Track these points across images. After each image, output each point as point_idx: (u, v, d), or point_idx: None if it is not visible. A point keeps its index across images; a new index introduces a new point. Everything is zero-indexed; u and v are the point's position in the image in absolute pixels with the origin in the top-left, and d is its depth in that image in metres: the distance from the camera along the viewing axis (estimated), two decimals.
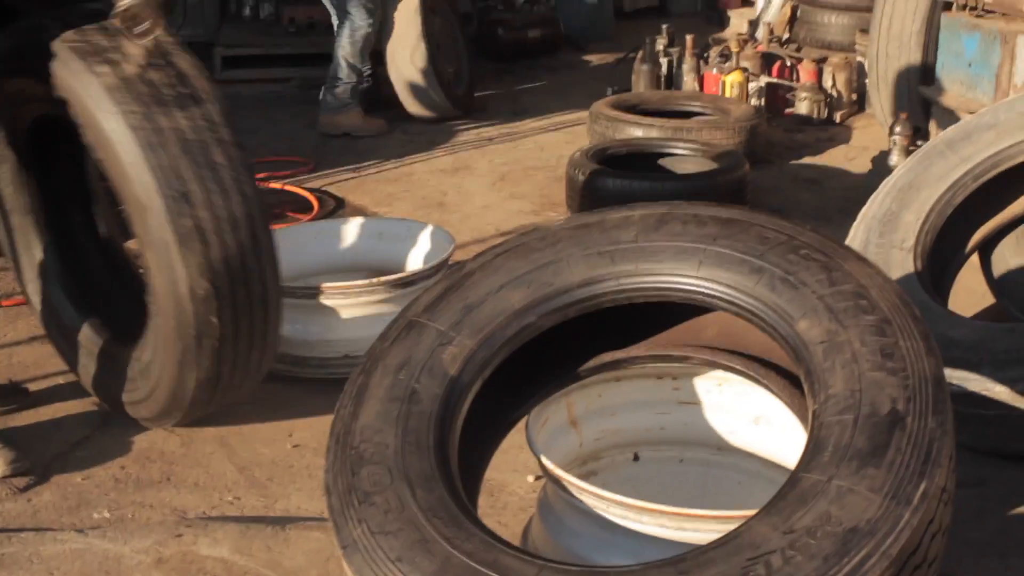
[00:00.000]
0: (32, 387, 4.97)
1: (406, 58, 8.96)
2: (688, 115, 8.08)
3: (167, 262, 4.07)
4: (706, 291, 3.16)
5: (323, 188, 7.74)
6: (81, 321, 4.88)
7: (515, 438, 3.52)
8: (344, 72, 8.93)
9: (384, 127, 9.12)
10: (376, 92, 9.39)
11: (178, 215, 4.02)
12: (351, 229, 5.76)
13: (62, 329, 4.95)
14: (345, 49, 8.89)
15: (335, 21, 9.03)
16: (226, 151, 4.14)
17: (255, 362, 4.39)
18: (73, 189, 4.32)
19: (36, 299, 5.04)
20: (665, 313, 3.44)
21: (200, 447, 4.53)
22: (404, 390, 3.09)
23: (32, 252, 5.03)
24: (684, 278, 3.19)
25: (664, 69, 9.53)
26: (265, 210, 4.28)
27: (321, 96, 9.07)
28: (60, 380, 4.97)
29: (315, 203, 7.34)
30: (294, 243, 5.59)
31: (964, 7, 7.33)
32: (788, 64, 9.33)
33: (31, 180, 4.81)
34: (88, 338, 4.81)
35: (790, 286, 3.02)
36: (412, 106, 9.17)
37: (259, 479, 4.31)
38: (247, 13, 11.30)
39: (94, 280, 4.94)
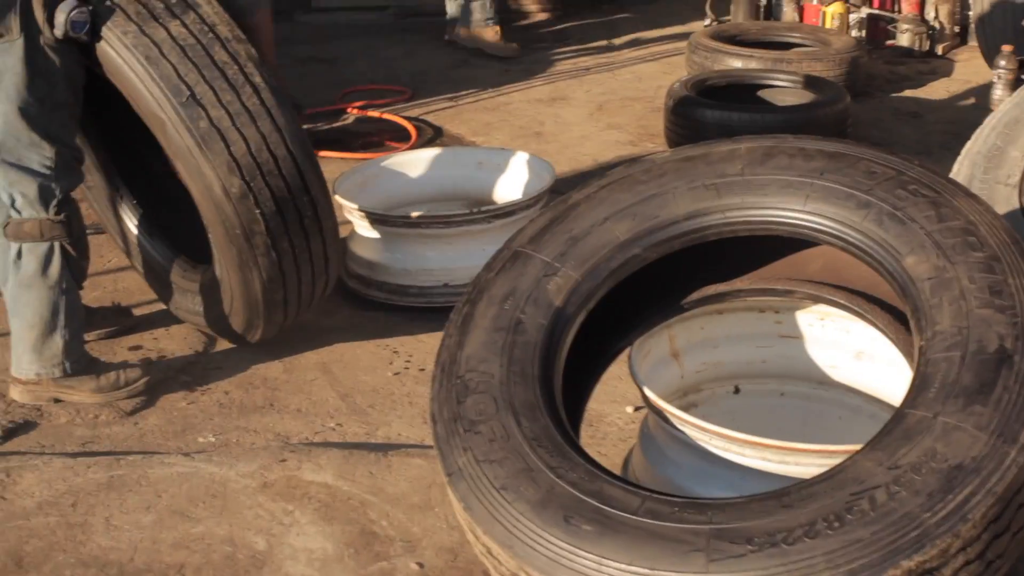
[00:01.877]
0: (135, 312, 5.05)
1: None
2: (788, 46, 8.02)
3: (196, 168, 4.14)
4: (813, 225, 3.14)
5: (421, 117, 7.75)
6: (168, 257, 4.97)
7: (614, 369, 3.53)
8: None
9: (518, 51, 9.18)
10: None
11: (192, 119, 4.10)
12: (451, 158, 5.77)
13: (155, 271, 5.04)
14: None
15: None
16: (228, 48, 4.20)
17: (318, 254, 4.44)
18: (136, 129, 4.39)
19: (135, 255, 5.15)
20: (769, 247, 3.43)
21: (302, 374, 4.59)
22: (509, 320, 3.11)
23: (114, 205, 5.13)
24: (791, 212, 3.18)
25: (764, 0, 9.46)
26: (285, 97, 4.32)
27: (463, 6, 9.15)
28: (162, 306, 5.04)
29: (413, 132, 7.36)
30: (394, 172, 5.63)
31: None
32: None
33: (95, 129, 4.89)
34: (177, 272, 4.90)
35: (898, 221, 3.00)
36: None
37: (360, 406, 4.36)
38: None
39: (172, 212, 4.99)
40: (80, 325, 4.40)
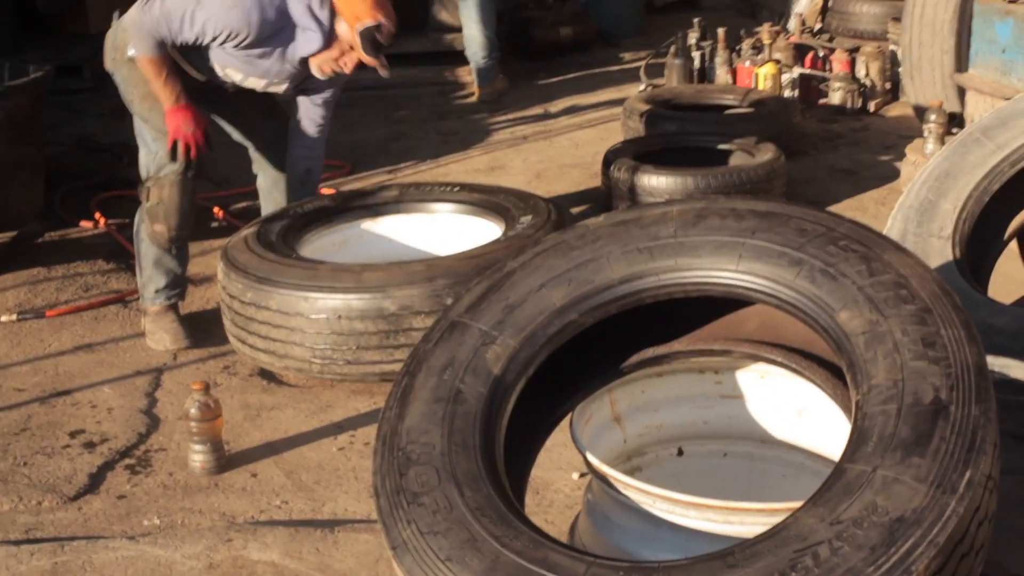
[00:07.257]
0: (76, 396, 5.02)
1: None
2: (722, 108, 8.07)
3: None
4: (746, 285, 3.17)
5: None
6: None
7: (559, 436, 3.53)
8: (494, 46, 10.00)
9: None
10: None
11: None
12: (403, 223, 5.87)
13: None
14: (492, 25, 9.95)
15: None
16: None
17: None
18: None
19: None
20: (705, 307, 3.45)
21: (246, 453, 4.56)
22: (449, 391, 3.11)
23: None
24: (724, 272, 3.20)
25: (697, 63, 9.56)
26: None
27: (484, 67, 9.98)
28: (106, 389, 5.02)
29: None
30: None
31: None
32: (821, 55, 9.31)
33: None
34: None
35: (830, 277, 3.03)
36: None
37: (306, 483, 4.34)
38: None
39: None
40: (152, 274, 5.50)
